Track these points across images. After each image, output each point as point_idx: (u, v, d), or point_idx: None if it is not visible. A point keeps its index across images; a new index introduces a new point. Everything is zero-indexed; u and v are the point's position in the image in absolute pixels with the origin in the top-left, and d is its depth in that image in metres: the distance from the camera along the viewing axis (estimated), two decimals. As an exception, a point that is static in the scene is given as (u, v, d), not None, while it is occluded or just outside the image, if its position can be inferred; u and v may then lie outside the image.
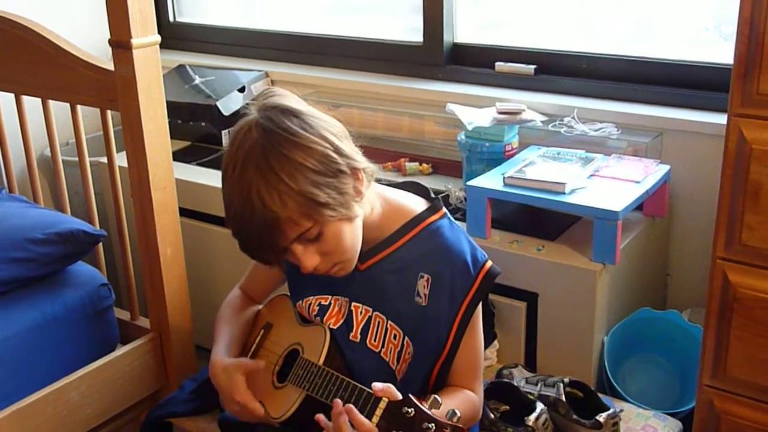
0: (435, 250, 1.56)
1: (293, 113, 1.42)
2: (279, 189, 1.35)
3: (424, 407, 1.28)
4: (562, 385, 1.83)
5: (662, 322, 2.11)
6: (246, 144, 1.39)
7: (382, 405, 1.31)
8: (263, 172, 1.36)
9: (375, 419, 1.31)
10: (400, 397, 1.31)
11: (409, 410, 1.27)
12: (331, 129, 1.44)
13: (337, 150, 1.42)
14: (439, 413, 1.27)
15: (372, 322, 1.57)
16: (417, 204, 1.61)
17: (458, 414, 1.26)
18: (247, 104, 1.47)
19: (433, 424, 1.24)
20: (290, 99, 1.47)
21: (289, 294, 1.72)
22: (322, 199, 1.38)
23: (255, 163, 1.37)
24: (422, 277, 1.55)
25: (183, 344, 2.23)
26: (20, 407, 1.93)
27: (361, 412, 1.33)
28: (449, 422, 1.25)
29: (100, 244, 2.32)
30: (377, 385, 1.33)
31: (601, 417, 1.75)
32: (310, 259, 1.44)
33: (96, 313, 2.17)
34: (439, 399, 1.30)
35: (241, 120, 1.44)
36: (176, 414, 1.85)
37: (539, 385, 1.87)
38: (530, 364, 2.10)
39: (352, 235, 1.46)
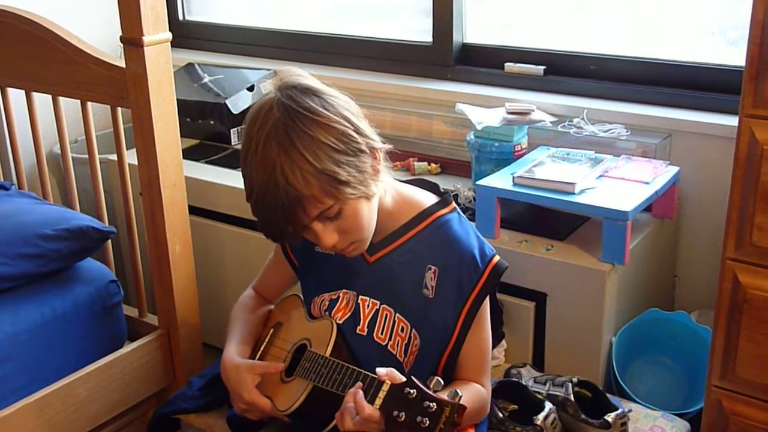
0: (443, 243, 1.57)
1: (313, 92, 1.43)
2: (302, 167, 1.36)
3: (426, 388, 1.29)
4: (570, 384, 1.83)
5: (670, 323, 2.11)
6: (268, 123, 1.39)
7: (385, 388, 1.33)
8: (286, 151, 1.37)
9: (378, 401, 1.33)
10: (403, 380, 1.33)
11: (412, 391, 1.29)
12: (350, 108, 1.46)
13: (357, 129, 1.43)
14: (441, 393, 1.29)
15: (379, 315, 1.58)
16: (427, 198, 1.62)
17: (460, 393, 1.28)
18: (267, 92, 1.48)
19: (434, 403, 1.27)
20: (308, 78, 1.48)
21: (298, 294, 1.73)
22: (343, 177, 1.39)
23: (278, 142, 1.37)
24: (430, 269, 1.56)
25: (191, 341, 2.23)
26: (29, 402, 1.94)
27: (365, 396, 1.35)
28: (451, 401, 1.27)
29: (109, 241, 2.32)
30: (380, 370, 1.35)
31: (610, 417, 1.75)
32: (329, 236, 1.45)
33: (105, 309, 2.18)
34: (441, 380, 1.31)
35: (260, 99, 1.45)
36: (184, 410, 1.85)
37: (548, 384, 1.87)
38: (538, 363, 2.10)
39: (370, 214, 1.48)
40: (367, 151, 1.44)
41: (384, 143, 1.50)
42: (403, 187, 1.62)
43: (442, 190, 1.66)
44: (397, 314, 1.57)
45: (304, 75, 1.48)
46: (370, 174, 1.45)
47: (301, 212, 1.40)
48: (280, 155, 1.37)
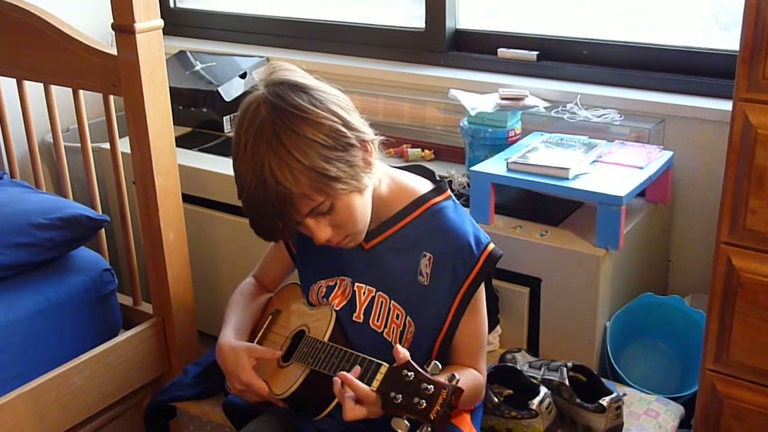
0: (438, 230, 1.57)
1: (301, 88, 1.42)
2: (291, 166, 1.36)
3: (424, 371, 1.30)
4: (565, 369, 1.84)
5: (664, 308, 2.11)
6: (255, 121, 1.39)
7: (383, 370, 1.35)
8: (275, 150, 1.37)
9: (375, 384, 1.34)
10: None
11: (409, 374, 1.30)
12: (338, 102, 1.45)
13: (346, 124, 1.42)
14: (438, 376, 1.30)
15: (375, 302, 1.58)
16: (422, 185, 1.62)
17: (457, 377, 1.29)
18: (254, 86, 1.47)
19: (432, 386, 1.28)
20: (297, 73, 1.47)
21: (297, 282, 1.73)
22: (333, 174, 1.39)
23: (266, 141, 1.37)
24: (425, 256, 1.56)
25: (186, 329, 2.23)
26: (24, 392, 1.93)
27: (362, 379, 1.36)
28: (448, 383, 1.28)
29: (103, 230, 2.32)
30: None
31: (605, 401, 1.76)
32: (322, 231, 1.45)
33: (99, 298, 2.17)
34: (439, 364, 1.32)
35: (248, 96, 1.44)
36: (180, 398, 1.86)
37: (542, 369, 1.88)
38: (533, 348, 2.10)
39: (363, 207, 1.47)
40: (358, 144, 1.43)
41: (376, 134, 1.49)
42: (399, 174, 1.62)
43: (438, 177, 1.66)
44: (392, 301, 1.57)
45: (293, 69, 1.47)
46: (362, 167, 1.44)
47: (292, 210, 1.40)
48: (268, 154, 1.37)
